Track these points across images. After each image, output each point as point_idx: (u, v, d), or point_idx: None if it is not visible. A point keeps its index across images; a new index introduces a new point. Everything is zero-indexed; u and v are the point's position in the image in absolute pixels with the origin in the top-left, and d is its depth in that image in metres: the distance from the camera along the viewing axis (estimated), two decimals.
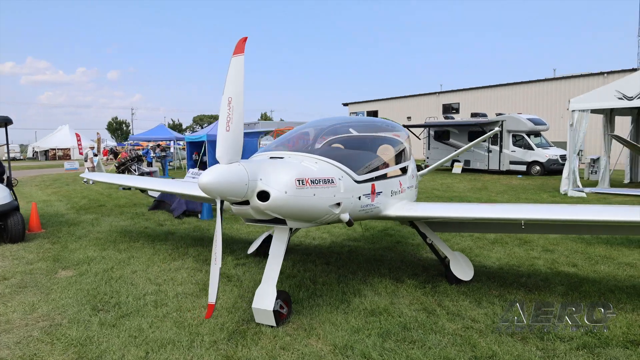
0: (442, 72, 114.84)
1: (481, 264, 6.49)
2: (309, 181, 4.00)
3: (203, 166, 22.47)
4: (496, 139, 22.97)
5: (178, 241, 7.83)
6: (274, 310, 4.08)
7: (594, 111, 15.91)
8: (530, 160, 21.96)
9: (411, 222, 5.69)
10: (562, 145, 23.83)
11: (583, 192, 9.39)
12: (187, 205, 10.41)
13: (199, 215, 10.44)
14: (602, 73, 27.67)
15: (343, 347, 3.79)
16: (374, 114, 41.09)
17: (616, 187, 15.87)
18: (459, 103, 35.82)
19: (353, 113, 43.36)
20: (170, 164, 26.47)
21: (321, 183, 4.10)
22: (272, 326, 4.14)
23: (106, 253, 6.93)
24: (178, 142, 29.05)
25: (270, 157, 4.42)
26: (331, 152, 4.72)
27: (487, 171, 23.62)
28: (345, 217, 4.39)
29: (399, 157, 5.72)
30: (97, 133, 37.48)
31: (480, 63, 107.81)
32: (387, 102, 41.86)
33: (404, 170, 5.80)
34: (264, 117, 54.74)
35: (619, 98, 14.05)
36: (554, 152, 21.82)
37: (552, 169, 21.39)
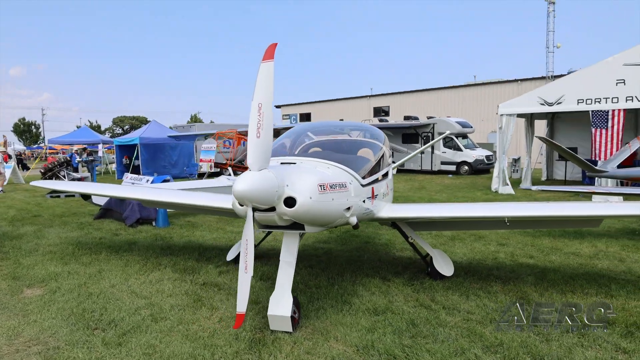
0: (373, 76, 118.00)
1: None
2: (328, 186, 4.07)
3: (135, 171, 21.35)
4: (428, 141, 24.30)
5: (145, 251, 7.45)
6: (290, 316, 4.09)
7: (519, 115, 17.46)
8: (459, 160, 23.51)
9: (393, 222, 5.95)
10: (484, 146, 25.81)
11: (531, 189, 10.41)
12: (141, 212, 9.91)
13: (154, 223, 9.99)
14: (516, 80, 30.33)
15: (365, 347, 3.91)
16: (306, 116, 41.53)
17: (544, 185, 17.44)
18: (389, 106, 37.34)
19: (286, 115, 43.49)
20: (97, 169, 24.81)
21: (337, 188, 4.19)
22: (287, 332, 4.15)
23: (70, 267, 6.43)
24: (105, 145, 27.29)
25: (281, 163, 4.43)
26: (340, 158, 4.82)
27: (420, 171, 24.90)
28: (354, 220, 4.52)
29: (385, 160, 5.96)
30: (4, 136, 34.04)
31: (409, 68, 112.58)
32: (320, 105, 42.52)
33: (386, 174, 6.06)
34: (194, 119, 53.00)
35: (541, 104, 15.56)
36: (479, 153, 23.55)
37: (479, 169, 23.10)
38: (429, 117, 25.51)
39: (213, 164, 17.80)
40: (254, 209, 3.80)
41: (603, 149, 14.06)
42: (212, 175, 20.64)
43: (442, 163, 24.06)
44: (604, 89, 14.14)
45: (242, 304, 3.64)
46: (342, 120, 39.30)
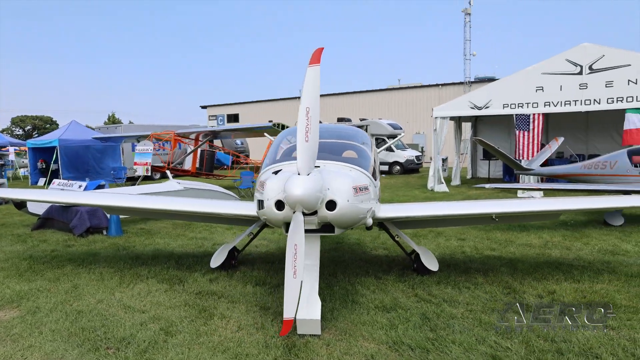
0: (302, 77, 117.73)
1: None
2: (359, 189, 4.16)
3: (54, 175, 19.60)
4: None
5: (114, 262, 6.94)
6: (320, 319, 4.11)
7: (451, 118, 18.73)
8: (391, 161, 24.60)
9: (380, 222, 6.17)
10: (409, 147, 27.24)
11: (484, 187, 11.33)
12: (91, 221, 9.18)
13: (104, 232, 9.31)
14: (437, 85, 32.38)
15: (396, 343, 4.06)
16: (234, 117, 40.78)
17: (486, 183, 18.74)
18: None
19: (212, 116, 42.33)
20: (7, 174, 22.38)
21: (364, 190, 4.29)
22: (315, 335, 4.17)
23: (38, 285, 5.82)
24: (15, 147, 24.65)
25: None
26: (356, 161, 4.90)
27: None
28: (370, 221, 4.65)
29: (378, 162, 6.18)
30: None
31: (339, 71, 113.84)
32: (250, 106, 41.97)
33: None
34: (112, 120, 49.52)
35: (471, 107, 16.83)
36: (410, 153, 24.84)
37: (410, 168, 24.36)
38: (361, 119, 26.35)
39: (150, 167, 16.88)
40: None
41: (526, 149, 15.55)
42: (146, 178, 19.58)
43: (381, 164, 25.02)
44: (526, 95, 15.67)
45: (290, 310, 3.61)
46: (271, 121, 39.17)
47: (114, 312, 4.86)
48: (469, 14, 29.22)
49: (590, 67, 14.57)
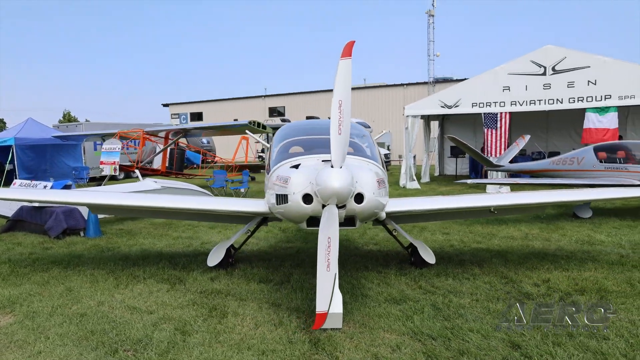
0: (267, 75, 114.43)
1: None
2: (380, 182, 4.20)
3: (9, 176, 18.55)
4: None
5: (103, 264, 6.66)
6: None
7: (422, 117, 19.15)
8: None
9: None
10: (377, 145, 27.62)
11: (466, 182, 11.67)
12: (67, 222, 8.77)
13: (82, 233, 8.92)
14: (402, 84, 33.02)
15: (417, 334, 4.13)
16: (198, 116, 39.96)
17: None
18: (284, 106, 37.75)
19: (175, 115, 41.28)
20: None
21: (383, 183, 4.34)
22: (336, 329, 4.17)
23: (27, 289, 5.49)
24: None
25: (323, 160, 4.42)
26: (371, 156, 4.92)
27: None
28: (384, 214, 4.70)
29: None
30: None
31: (306, 69, 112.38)
32: (213, 104, 41.22)
33: None
34: (68, 118, 47.23)
35: (442, 106, 17.30)
36: None
37: None
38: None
39: (117, 166, 16.25)
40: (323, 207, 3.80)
41: (494, 146, 16.16)
42: (113, 178, 18.86)
43: None
44: (493, 95, 16.28)
45: (324, 303, 3.60)
46: (236, 119, 38.69)
47: (120, 314, 4.68)
48: (433, 16, 30.01)
49: (553, 68, 15.32)
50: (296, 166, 4.38)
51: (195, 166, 20.45)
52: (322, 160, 4.44)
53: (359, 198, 3.91)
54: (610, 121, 14.58)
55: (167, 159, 17.58)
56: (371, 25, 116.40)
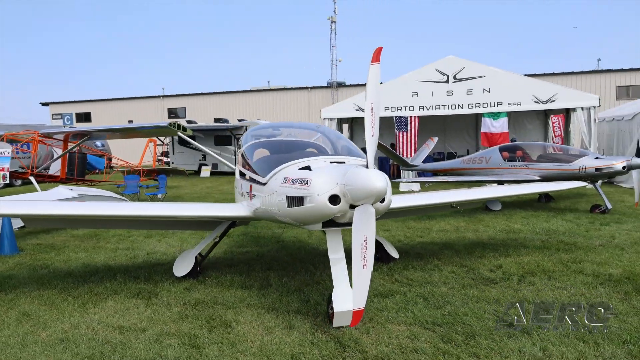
0: (165, 75, 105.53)
1: None
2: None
3: None
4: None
5: (46, 283, 5.86)
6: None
7: (330, 119, 19.78)
8: None
9: None
10: None
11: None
12: None
13: None
14: (307, 87, 33.71)
15: (422, 323, 4.40)
16: (85, 116, 36.40)
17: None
18: (185, 108, 36.12)
19: (57, 115, 37.02)
20: None
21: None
22: (347, 326, 4.26)
23: None
24: None
25: (331, 162, 4.47)
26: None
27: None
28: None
29: None
30: None
31: (203, 71, 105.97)
32: (103, 104, 37.83)
33: None
34: None
35: (357, 110, 18.12)
36: None
37: None
38: (240, 120, 26.08)
39: (8, 173, 14.23)
40: (351, 207, 3.88)
41: (406, 148, 17.39)
42: (8, 186, 16.41)
43: None
44: (404, 99, 17.52)
45: (361, 300, 3.66)
46: (131, 121, 36.04)
47: (108, 334, 4.23)
48: (335, 22, 31.17)
49: (454, 77, 16.98)
50: (307, 167, 4.39)
51: (97, 171, 18.74)
52: (330, 162, 4.51)
53: (383, 197, 4.06)
54: (502, 125, 16.62)
55: (67, 165, 15.88)
56: (275, 28, 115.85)
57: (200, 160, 25.63)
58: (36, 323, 4.54)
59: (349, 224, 4.28)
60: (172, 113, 36.11)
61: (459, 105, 17.06)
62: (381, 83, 22.08)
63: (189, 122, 27.13)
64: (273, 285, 5.62)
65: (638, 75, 27.90)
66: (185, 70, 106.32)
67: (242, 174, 6.32)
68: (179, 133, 12.56)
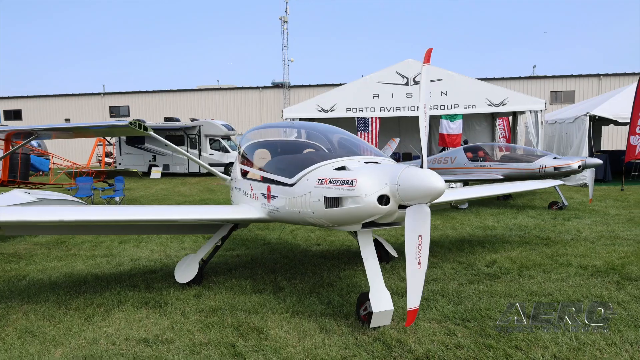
0: (106, 72, 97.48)
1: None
2: None
3: None
4: (195, 143, 24.13)
5: (34, 297, 5.34)
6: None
7: (292, 120, 19.68)
8: (227, 162, 24.32)
9: None
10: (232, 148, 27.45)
11: None
12: None
13: None
14: (258, 87, 33.30)
15: (450, 319, 4.49)
16: (15, 113, 33.51)
17: None
18: (128, 106, 34.33)
19: None
20: None
21: None
22: (385, 325, 4.27)
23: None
24: None
25: (365, 162, 4.43)
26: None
27: (188, 174, 24.44)
28: None
29: None
30: None
31: (154, 69, 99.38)
32: (35, 101, 34.96)
33: None
34: None
35: (319, 110, 18.14)
36: None
37: None
38: (192, 119, 25.25)
39: None
40: (400, 207, 3.88)
41: None
42: None
43: (210, 165, 24.32)
44: (365, 101, 17.78)
45: (415, 299, 3.65)
46: (68, 120, 33.74)
47: (136, 349, 3.92)
48: (286, 22, 31.03)
49: (414, 79, 17.49)
50: (342, 168, 4.33)
51: (40, 173, 17.33)
52: (365, 162, 4.47)
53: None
54: (458, 127, 17.37)
55: (9, 166, 14.54)
56: (225, 27, 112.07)
57: (150, 161, 24.50)
58: (44, 340, 4.12)
59: (390, 224, 4.30)
60: (114, 112, 34.20)
61: (418, 107, 17.56)
62: (342, 84, 22.13)
63: (169, 119, 25.91)
64: (285, 289, 5.49)
65: (568, 82, 30.32)
66: (128, 68, 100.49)
67: (243, 174, 6.13)
68: (150, 132, 11.87)
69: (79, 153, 28.73)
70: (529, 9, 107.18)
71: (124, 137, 24.36)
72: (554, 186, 11.69)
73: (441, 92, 17.44)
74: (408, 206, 3.87)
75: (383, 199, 3.93)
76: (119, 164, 24.59)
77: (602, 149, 21.18)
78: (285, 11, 30.77)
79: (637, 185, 16.52)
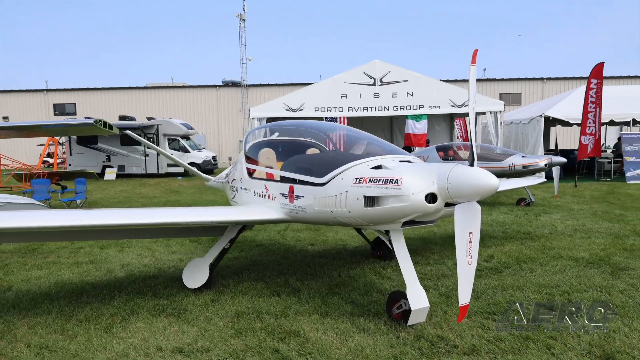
0: (50, 68, 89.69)
1: (361, 244, 7.82)
2: None
3: None
4: (153, 142, 23.19)
5: (34, 309, 4.89)
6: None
7: (259, 119, 19.43)
8: (188, 162, 23.56)
9: None
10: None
11: None
12: None
13: None
14: (215, 86, 32.50)
15: (479, 313, 4.59)
16: None
17: None
18: (75, 104, 32.35)
19: None
20: None
21: None
22: (420, 322, 4.29)
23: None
24: None
25: (400, 161, 4.41)
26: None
27: (146, 175, 23.45)
28: None
29: None
30: None
31: (108, 66, 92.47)
32: None
33: None
34: None
35: (287, 109, 18.02)
36: (207, 154, 24.39)
37: (207, 169, 23.86)
38: (149, 118, 24.27)
39: None
40: (447, 205, 3.90)
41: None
42: None
43: (169, 165, 23.51)
44: (333, 100, 17.87)
45: (466, 296, 3.68)
46: (6, 118, 31.35)
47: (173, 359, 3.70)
48: (244, 20, 30.52)
49: (381, 80, 17.79)
50: (379, 167, 4.29)
51: None
52: (400, 161, 4.46)
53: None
54: (424, 127, 17.86)
55: None
56: (179, 25, 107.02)
57: (103, 161, 23.26)
58: (65, 355, 3.78)
59: (428, 222, 4.33)
60: (59, 110, 32.12)
61: (385, 107, 17.90)
62: (310, 84, 22.20)
63: (87, 119, 24.50)
64: (303, 290, 5.39)
65: (515, 85, 32.03)
66: (73, 63, 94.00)
67: (250, 174, 5.97)
68: (129, 132, 11.26)
69: (26, 154, 26.82)
70: (496, 11, 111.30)
71: (74, 136, 22.98)
72: (526, 189, 12.34)
73: (407, 92, 17.86)
74: (455, 204, 3.91)
75: (430, 198, 3.96)
76: (69, 164, 23.16)
77: (551, 148, 22.54)
78: (243, 9, 30.32)
79: (587, 181, 17.75)
